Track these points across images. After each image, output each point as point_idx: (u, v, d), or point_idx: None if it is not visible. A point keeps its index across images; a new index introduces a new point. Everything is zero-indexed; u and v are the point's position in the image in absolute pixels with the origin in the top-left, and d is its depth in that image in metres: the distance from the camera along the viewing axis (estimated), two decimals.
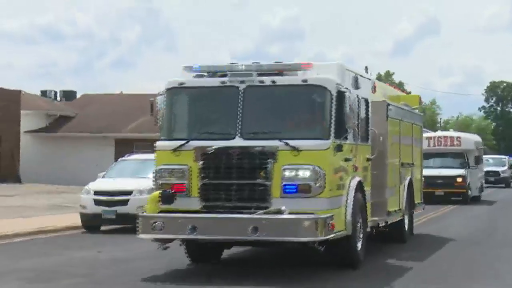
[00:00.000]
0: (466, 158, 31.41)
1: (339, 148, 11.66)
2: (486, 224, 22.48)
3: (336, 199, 11.64)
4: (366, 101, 13.58)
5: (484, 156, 49.70)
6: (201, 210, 11.48)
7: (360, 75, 13.30)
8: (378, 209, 14.25)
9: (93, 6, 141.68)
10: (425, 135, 33.42)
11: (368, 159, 13.54)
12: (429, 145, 31.64)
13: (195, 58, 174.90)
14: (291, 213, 11.09)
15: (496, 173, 47.63)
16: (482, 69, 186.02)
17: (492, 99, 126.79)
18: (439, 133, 34.46)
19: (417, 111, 18.40)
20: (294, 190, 11.19)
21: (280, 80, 11.73)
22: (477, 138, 35.44)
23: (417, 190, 17.68)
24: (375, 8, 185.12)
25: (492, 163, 48.32)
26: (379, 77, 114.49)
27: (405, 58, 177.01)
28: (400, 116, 15.91)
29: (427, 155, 31.38)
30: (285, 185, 11.22)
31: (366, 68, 69.09)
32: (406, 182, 16.29)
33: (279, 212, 11.09)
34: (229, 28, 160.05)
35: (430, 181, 30.21)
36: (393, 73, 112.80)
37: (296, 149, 11.23)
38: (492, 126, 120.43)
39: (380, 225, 14.38)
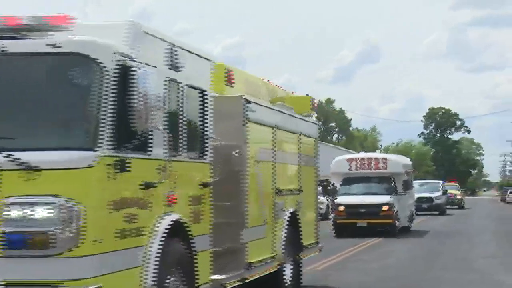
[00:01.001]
0: (393, 183, 26.24)
1: (122, 165, 6.36)
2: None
3: (116, 256, 6.26)
4: (201, 92, 8.34)
5: (415, 181, 45.31)
6: None
7: (185, 49, 8.00)
8: (228, 262, 8.98)
9: None
10: (346, 156, 28.39)
11: (205, 185, 8.27)
12: (350, 169, 26.59)
13: None
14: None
15: (429, 199, 42.30)
16: (422, 96, 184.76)
17: (431, 126, 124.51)
18: (362, 154, 29.23)
19: (313, 119, 13.23)
20: (21, 244, 5.87)
21: (16, 45, 6.42)
22: (406, 160, 30.39)
23: (309, 226, 12.38)
24: (316, 36, 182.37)
25: (425, 188, 43.13)
26: (320, 104, 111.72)
27: (347, 85, 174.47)
28: (275, 122, 10.70)
29: (349, 180, 26.41)
30: (6, 234, 5.90)
31: (307, 95, 65.61)
32: (287, 217, 10.99)
33: None
34: None
35: (351, 211, 25.20)
36: (334, 100, 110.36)
37: (31, 168, 5.92)
38: (431, 152, 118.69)
39: (231, 286, 9.04)
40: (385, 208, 25.12)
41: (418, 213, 38.33)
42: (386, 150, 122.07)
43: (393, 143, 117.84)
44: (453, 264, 16.65)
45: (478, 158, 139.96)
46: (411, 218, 28.32)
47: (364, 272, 15.23)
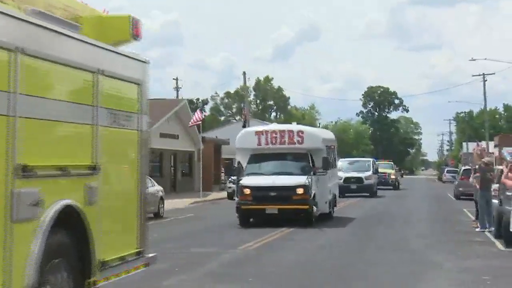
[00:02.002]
0: (311, 161, 21.28)
1: None
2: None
3: None
4: None
5: (343, 159, 40.07)
6: None
7: None
8: None
9: None
10: (254, 129, 23.42)
11: None
12: (259, 143, 21.64)
13: None
14: None
15: (359, 180, 37.08)
16: (361, 75, 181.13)
17: (369, 104, 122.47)
18: (274, 126, 24.07)
19: (139, 54, 7.99)
20: None
21: None
22: (327, 134, 25.37)
23: (121, 228, 7.35)
24: (255, 14, 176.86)
25: (353, 167, 38.16)
26: (258, 82, 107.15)
27: (285, 64, 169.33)
28: (19, 43, 5.49)
29: (257, 157, 21.53)
30: None
31: (244, 73, 59.41)
32: (48, 217, 5.83)
33: None
34: None
35: (259, 194, 20.36)
36: (272, 78, 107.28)
37: None
38: (370, 131, 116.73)
39: None
40: (299, 191, 20.25)
41: (346, 194, 34.85)
42: (325, 128, 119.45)
43: (332, 121, 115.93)
44: (387, 246, 15.62)
45: (416, 137, 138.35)
46: (333, 203, 23.50)
47: (299, 251, 14.28)
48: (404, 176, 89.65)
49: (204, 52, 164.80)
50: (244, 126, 57.70)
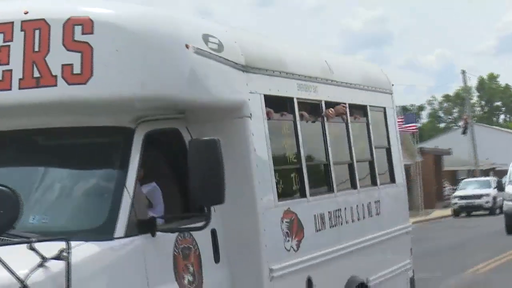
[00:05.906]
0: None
1: None
2: None
3: None
4: None
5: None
6: None
7: None
8: None
9: None
10: None
11: None
12: None
13: None
14: None
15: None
16: None
17: None
18: None
19: None
20: None
21: None
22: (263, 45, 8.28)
23: None
24: (474, 0, 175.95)
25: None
26: (481, 82, 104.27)
27: None
28: None
29: None
30: None
31: (464, 72, 66.49)
32: None
33: None
34: (307, 35, 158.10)
35: None
36: (498, 75, 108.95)
37: None
38: None
39: None
40: None
41: None
42: None
43: None
44: None
45: None
46: None
47: None
48: None
49: (416, 50, 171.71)
50: (463, 133, 61.70)
